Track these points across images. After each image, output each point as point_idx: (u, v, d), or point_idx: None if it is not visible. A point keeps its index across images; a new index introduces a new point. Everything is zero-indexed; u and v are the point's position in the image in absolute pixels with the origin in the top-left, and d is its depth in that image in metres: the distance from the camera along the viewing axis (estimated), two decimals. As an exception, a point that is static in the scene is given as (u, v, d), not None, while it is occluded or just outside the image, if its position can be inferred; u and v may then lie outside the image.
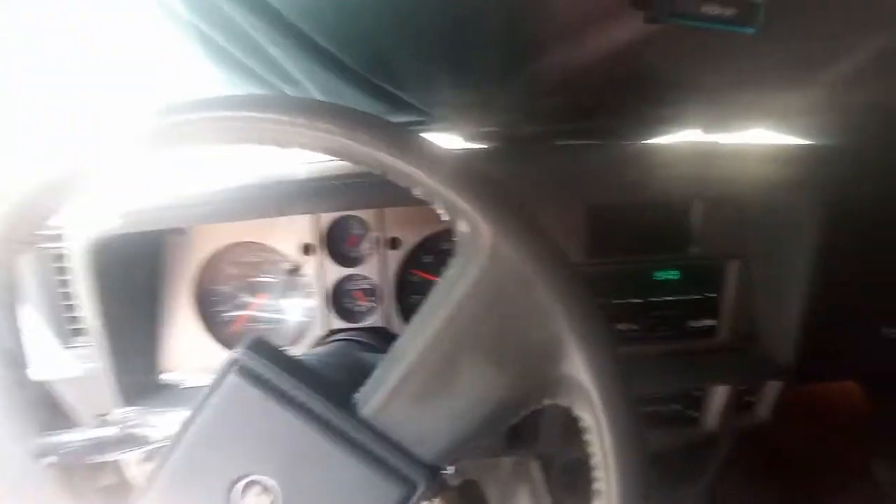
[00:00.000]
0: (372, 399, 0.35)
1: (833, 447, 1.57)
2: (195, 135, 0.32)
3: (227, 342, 0.75)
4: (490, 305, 0.32)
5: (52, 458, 0.38)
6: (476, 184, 0.31)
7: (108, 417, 0.54)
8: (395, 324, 0.76)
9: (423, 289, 0.77)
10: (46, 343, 0.73)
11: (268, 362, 0.35)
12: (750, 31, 0.49)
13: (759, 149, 0.83)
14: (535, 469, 0.85)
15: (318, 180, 0.61)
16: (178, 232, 0.71)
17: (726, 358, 0.80)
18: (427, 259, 0.77)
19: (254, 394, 0.34)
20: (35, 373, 0.68)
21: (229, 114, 0.31)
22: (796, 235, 0.72)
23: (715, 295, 0.79)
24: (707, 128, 0.93)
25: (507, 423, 0.36)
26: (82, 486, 0.39)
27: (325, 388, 0.36)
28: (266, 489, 0.34)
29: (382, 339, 0.73)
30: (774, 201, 0.74)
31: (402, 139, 0.31)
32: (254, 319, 0.77)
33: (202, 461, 0.35)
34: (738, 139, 0.95)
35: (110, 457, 0.44)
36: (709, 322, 0.80)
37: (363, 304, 0.77)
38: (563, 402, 0.34)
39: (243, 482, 0.34)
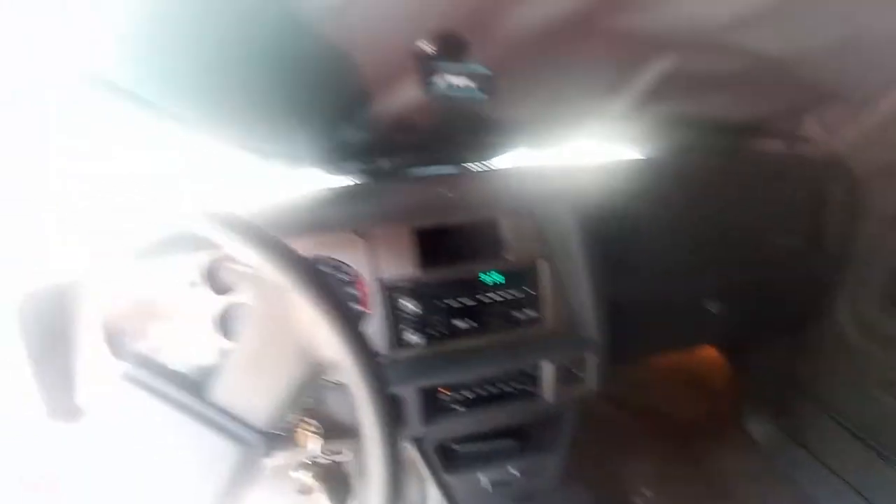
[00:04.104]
0: (214, 386, 0.51)
1: (706, 409, 1.79)
2: None
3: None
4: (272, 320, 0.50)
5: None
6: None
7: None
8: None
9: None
10: None
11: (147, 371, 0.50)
12: (483, 97, 0.68)
13: (539, 169, 1.04)
14: (409, 449, 1.00)
15: None
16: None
17: (550, 341, 0.99)
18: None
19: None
20: None
21: None
22: (572, 239, 0.93)
23: (534, 292, 0.99)
24: (531, 146, 1.14)
25: (305, 393, 0.52)
26: None
27: (186, 383, 0.51)
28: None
29: None
30: (553, 212, 0.94)
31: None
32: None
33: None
34: (560, 154, 1.16)
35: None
36: (532, 313, 0.99)
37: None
38: (333, 376, 0.51)
39: None
